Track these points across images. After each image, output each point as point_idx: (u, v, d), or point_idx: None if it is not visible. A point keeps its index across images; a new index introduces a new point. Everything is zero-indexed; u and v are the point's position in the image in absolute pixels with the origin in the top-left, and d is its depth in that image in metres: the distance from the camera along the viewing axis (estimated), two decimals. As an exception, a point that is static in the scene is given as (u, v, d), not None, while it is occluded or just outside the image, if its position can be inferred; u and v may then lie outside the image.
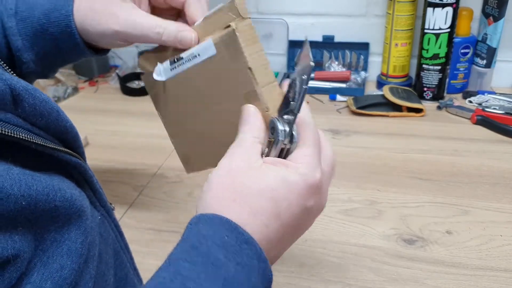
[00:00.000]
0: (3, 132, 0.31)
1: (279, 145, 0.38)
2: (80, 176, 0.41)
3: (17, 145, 0.33)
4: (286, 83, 0.40)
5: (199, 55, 0.47)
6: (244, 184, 0.35)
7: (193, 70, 0.48)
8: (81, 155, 0.43)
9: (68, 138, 0.40)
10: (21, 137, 0.33)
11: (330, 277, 0.58)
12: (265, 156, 0.38)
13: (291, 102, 0.38)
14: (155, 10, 0.53)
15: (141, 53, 0.54)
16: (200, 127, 0.51)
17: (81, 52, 0.52)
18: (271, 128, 0.39)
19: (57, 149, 0.37)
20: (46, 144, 0.35)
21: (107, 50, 0.56)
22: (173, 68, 0.50)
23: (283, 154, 0.39)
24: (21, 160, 0.33)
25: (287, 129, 0.38)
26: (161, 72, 0.51)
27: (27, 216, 0.31)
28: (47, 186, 0.33)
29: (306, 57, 0.38)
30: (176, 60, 0.49)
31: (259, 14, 1.20)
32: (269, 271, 0.33)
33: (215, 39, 0.45)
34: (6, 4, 0.50)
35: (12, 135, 0.32)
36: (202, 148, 0.52)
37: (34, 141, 0.34)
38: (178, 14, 0.55)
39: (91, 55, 0.54)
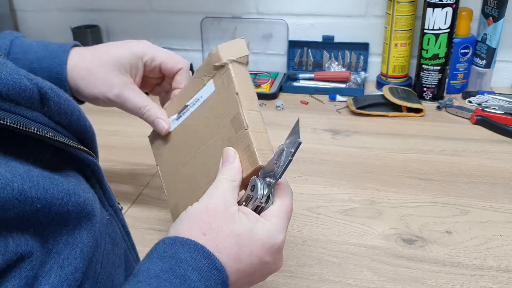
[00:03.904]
0: (30, 131, 0.32)
1: (256, 202, 0.43)
2: (92, 175, 0.41)
3: (41, 143, 0.34)
4: (276, 150, 0.43)
5: (201, 97, 0.51)
6: (217, 224, 0.39)
7: (194, 114, 0.53)
8: (96, 154, 0.44)
9: (87, 137, 0.41)
10: (46, 135, 0.33)
11: (330, 277, 0.58)
12: (243, 204, 0.43)
13: (275, 168, 0.42)
14: (145, 77, 0.59)
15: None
16: (192, 170, 0.54)
17: None
18: (252, 186, 0.43)
19: (77, 147, 0.38)
20: (68, 143, 0.36)
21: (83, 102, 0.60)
22: (179, 117, 0.55)
23: (258, 210, 0.43)
24: (42, 156, 0.34)
25: (266, 191, 0.42)
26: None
27: (40, 219, 0.32)
28: (63, 190, 0.33)
29: (297, 134, 0.42)
30: (182, 109, 0.54)
31: (259, 15, 1.20)
32: None
33: (214, 79, 0.49)
34: (1, 44, 0.51)
35: (39, 133, 0.33)
36: (190, 197, 0.54)
37: (57, 139, 0.35)
38: (162, 79, 0.62)
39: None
